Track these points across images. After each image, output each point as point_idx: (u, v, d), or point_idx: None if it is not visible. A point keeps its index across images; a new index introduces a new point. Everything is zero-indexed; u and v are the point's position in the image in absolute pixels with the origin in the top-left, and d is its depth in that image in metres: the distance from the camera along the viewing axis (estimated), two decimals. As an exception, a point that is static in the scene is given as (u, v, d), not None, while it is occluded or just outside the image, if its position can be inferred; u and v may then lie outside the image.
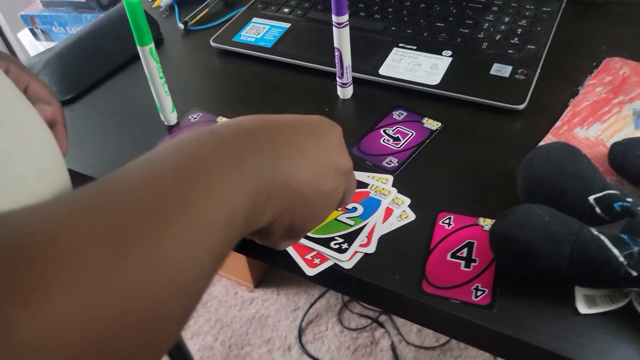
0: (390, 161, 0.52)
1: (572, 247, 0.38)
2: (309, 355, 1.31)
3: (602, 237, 0.38)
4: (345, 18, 0.52)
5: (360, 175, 0.51)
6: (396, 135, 0.55)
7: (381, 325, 1.36)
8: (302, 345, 1.33)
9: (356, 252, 0.45)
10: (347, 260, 0.44)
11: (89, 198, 0.22)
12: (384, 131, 0.55)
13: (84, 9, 1.02)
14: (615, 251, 0.37)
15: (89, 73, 0.64)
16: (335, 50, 0.55)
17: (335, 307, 1.40)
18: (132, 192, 0.23)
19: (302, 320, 1.37)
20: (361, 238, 0.46)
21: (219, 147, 0.28)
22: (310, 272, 0.44)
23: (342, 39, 0.54)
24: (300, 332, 1.36)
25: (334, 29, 0.53)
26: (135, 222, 0.21)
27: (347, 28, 0.54)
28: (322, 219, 0.38)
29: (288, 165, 0.32)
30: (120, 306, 0.19)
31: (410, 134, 0.55)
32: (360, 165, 0.52)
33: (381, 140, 0.54)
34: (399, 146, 0.53)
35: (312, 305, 1.40)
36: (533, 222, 0.39)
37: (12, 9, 1.28)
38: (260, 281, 1.47)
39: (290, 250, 0.46)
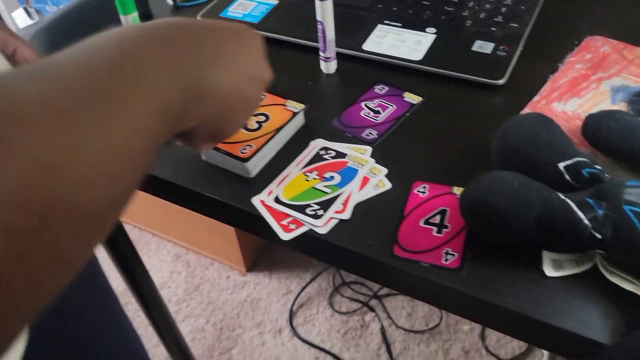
0: (370, 133, 0.53)
1: (541, 211, 0.39)
2: (300, 338, 1.32)
3: (569, 202, 0.39)
4: (327, -10, 0.53)
5: (339, 146, 0.52)
6: (377, 109, 0.55)
7: (371, 309, 1.37)
8: (292, 328, 1.34)
9: (331, 218, 0.46)
10: (322, 226, 0.45)
11: (40, 78, 0.22)
12: (365, 104, 0.56)
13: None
14: (581, 214, 0.38)
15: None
16: (318, 23, 0.56)
17: (327, 291, 1.41)
18: (73, 77, 0.23)
19: (294, 304, 1.39)
20: (337, 205, 0.47)
21: (155, 44, 0.29)
22: (285, 236, 0.45)
23: (324, 11, 0.55)
24: (292, 315, 1.37)
25: (316, 1, 0.54)
26: (74, 102, 0.22)
27: (330, 1, 0.54)
28: (240, 126, 0.38)
29: (215, 72, 0.32)
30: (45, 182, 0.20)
31: (391, 107, 0.55)
32: (340, 137, 0.53)
33: (362, 113, 0.55)
34: (378, 119, 0.54)
35: (303, 289, 1.41)
36: (502, 187, 0.40)
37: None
38: (253, 265, 1.48)
39: (267, 215, 0.47)
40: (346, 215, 0.46)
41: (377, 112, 0.55)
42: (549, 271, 0.40)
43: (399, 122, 0.54)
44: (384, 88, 0.58)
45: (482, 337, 1.29)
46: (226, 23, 0.36)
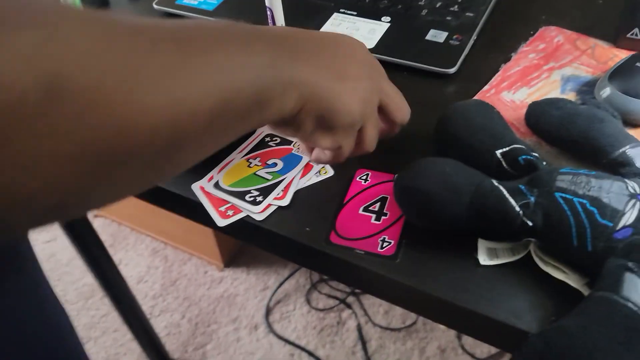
0: None
1: (472, 197, 0.38)
2: (275, 334, 1.31)
3: (501, 188, 0.38)
4: (275, -24, 0.52)
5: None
6: None
7: (348, 306, 1.36)
8: (268, 325, 1.33)
9: (270, 204, 0.45)
10: (259, 212, 0.45)
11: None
12: None
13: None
14: (512, 201, 0.37)
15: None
16: (267, 9, 0.55)
17: (304, 288, 1.41)
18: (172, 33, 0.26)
19: (270, 300, 1.38)
20: (277, 192, 0.46)
21: (252, 36, 0.32)
22: (221, 222, 0.45)
23: (273, -2, 0.54)
24: (268, 311, 1.36)
25: (265, -13, 0.53)
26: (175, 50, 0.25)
27: (278, -13, 0.53)
28: (354, 108, 0.37)
29: (306, 68, 0.34)
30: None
31: None
32: None
33: None
34: None
35: (280, 285, 1.41)
36: (433, 172, 0.39)
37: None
38: (231, 261, 1.47)
39: (205, 201, 0.46)
40: (285, 202, 0.45)
41: None
42: (484, 259, 0.40)
43: None
44: None
45: (459, 336, 1.28)
46: (325, 33, 0.40)
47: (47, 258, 1.53)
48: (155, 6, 0.68)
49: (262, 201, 0.45)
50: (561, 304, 0.37)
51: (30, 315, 0.41)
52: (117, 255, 1.51)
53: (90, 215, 1.60)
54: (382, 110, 0.41)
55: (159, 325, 1.35)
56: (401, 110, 0.43)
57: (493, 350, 1.25)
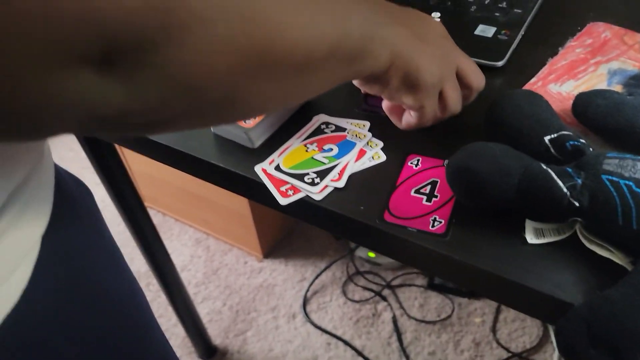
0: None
1: (520, 178, 0.41)
2: (312, 324, 1.35)
3: (549, 170, 0.41)
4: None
5: (340, 121, 0.54)
6: None
7: (384, 298, 1.39)
8: (306, 314, 1.37)
9: (327, 186, 0.49)
10: (318, 193, 0.48)
11: None
12: None
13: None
14: (559, 182, 0.40)
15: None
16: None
17: (340, 280, 1.44)
18: None
19: (308, 291, 1.42)
20: (333, 174, 0.49)
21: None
22: (283, 201, 0.48)
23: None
24: (305, 301, 1.40)
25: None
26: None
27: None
28: (435, 69, 0.43)
29: (398, 28, 0.41)
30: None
31: None
32: (342, 113, 0.56)
33: None
34: None
35: (317, 276, 1.44)
36: (484, 154, 0.42)
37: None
38: (270, 252, 1.51)
39: (267, 182, 0.50)
40: (341, 183, 0.49)
41: None
42: (531, 238, 0.42)
43: None
44: None
45: (494, 330, 1.29)
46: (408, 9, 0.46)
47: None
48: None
49: (319, 182, 0.49)
50: (605, 279, 0.39)
51: (111, 270, 0.45)
52: (162, 243, 1.58)
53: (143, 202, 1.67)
54: (459, 76, 0.46)
55: (202, 311, 1.41)
56: (477, 75, 0.48)
57: (528, 345, 1.26)
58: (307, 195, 0.48)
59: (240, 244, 1.53)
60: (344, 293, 1.41)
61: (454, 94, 0.46)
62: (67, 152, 1.87)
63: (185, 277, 1.49)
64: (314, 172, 0.50)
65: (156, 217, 1.64)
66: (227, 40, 0.27)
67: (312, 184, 0.49)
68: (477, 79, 0.48)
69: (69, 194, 0.43)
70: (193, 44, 0.25)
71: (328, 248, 1.51)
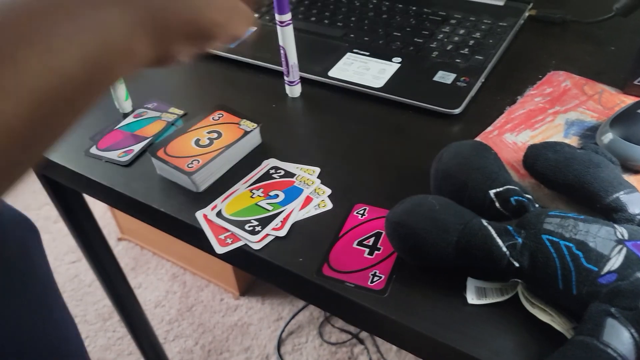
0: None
1: (459, 235, 0.39)
2: (286, 366, 1.31)
3: (489, 227, 0.39)
4: (287, 17, 0.55)
5: (290, 166, 0.53)
6: None
7: (361, 341, 1.35)
8: (280, 356, 1.33)
9: (267, 234, 0.47)
10: (257, 242, 0.46)
11: None
12: None
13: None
14: (499, 241, 0.38)
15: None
16: (281, 48, 0.58)
17: (318, 320, 1.40)
18: None
19: (283, 331, 1.38)
20: (275, 222, 0.48)
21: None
22: (220, 250, 0.46)
23: (285, 37, 0.57)
24: (280, 342, 1.36)
25: (278, 27, 0.56)
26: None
27: (291, 27, 0.56)
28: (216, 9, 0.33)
29: None
30: None
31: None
32: (293, 158, 0.54)
33: None
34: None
35: (294, 316, 1.40)
36: (422, 209, 0.40)
37: None
38: (247, 289, 1.48)
39: (206, 229, 0.48)
40: (282, 232, 0.47)
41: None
42: (472, 298, 0.40)
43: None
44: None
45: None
46: None
47: (70, 278, 1.57)
48: None
49: (260, 231, 0.47)
50: (546, 346, 0.37)
51: (37, 318, 0.43)
52: (138, 278, 1.54)
53: (113, 239, 1.64)
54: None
55: (173, 350, 1.36)
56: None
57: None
58: (246, 244, 0.46)
59: (218, 280, 1.49)
60: (320, 334, 1.37)
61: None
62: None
63: (159, 313, 1.45)
64: (256, 220, 0.48)
65: (133, 250, 1.61)
66: None
67: (253, 232, 0.47)
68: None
69: None
70: None
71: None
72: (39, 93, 0.25)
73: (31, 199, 1.80)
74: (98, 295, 1.51)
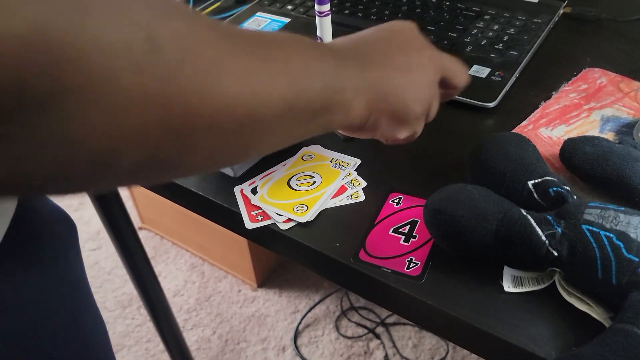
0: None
1: (498, 224, 0.39)
2: (302, 358, 1.32)
3: (528, 217, 0.39)
4: (326, 7, 0.56)
5: (327, 153, 0.54)
6: None
7: (377, 336, 1.35)
8: (296, 348, 1.34)
9: (294, 218, 0.47)
10: (283, 222, 0.47)
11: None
12: None
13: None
14: (538, 230, 0.38)
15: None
16: (318, 39, 0.58)
17: (334, 314, 1.41)
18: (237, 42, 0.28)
19: (300, 323, 1.39)
20: (303, 206, 0.48)
21: (319, 47, 0.36)
22: (250, 225, 0.47)
23: (323, 27, 0.57)
24: (297, 334, 1.37)
25: (317, 17, 0.57)
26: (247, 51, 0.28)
27: (329, 17, 0.57)
28: (423, 97, 0.40)
29: (372, 72, 0.37)
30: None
31: None
32: (329, 146, 0.55)
33: None
34: None
35: (311, 309, 1.41)
36: (462, 197, 0.41)
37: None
38: (264, 281, 1.49)
39: (240, 203, 0.49)
40: (306, 218, 0.47)
41: None
42: (508, 286, 0.41)
43: None
44: None
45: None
46: (375, 30, 0.41)
47: (91, 265, 1.59)
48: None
49: (291, 213, 0.48)
50: (582, 335, 0.37)
51: (68, 320, 0.44)
52: (157, 267, 1.56)
53: (135, 227, 1.66)
54: (445, 80, 0.43)
55: (190, 339, 1.38)
56: (462, 75, 0.44)
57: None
58: (274, 224, 0.47)
59: (235, 271, 1.51)
60: (337, 328, 1.38)
61: (437, 106, 0.44)
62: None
63: (177, 302, 1.47)
64: (289, 202, 0.49)
65: (153, 240, 1.64)
66: (138, 97, 0.21)
67: (280, 214, 0.48)
68: (462, 79, 0.45)
69: (34, 233, 0.42)
70: (93, 104, 0.20)
71: (323, 280, 1.49)
72: (291, 96, 0.30)
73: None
74: (117, 282, 1.54)
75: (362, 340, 1.35)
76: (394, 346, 1.33)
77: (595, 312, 0.37)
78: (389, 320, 1.38)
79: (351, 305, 1.42)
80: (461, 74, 0.44)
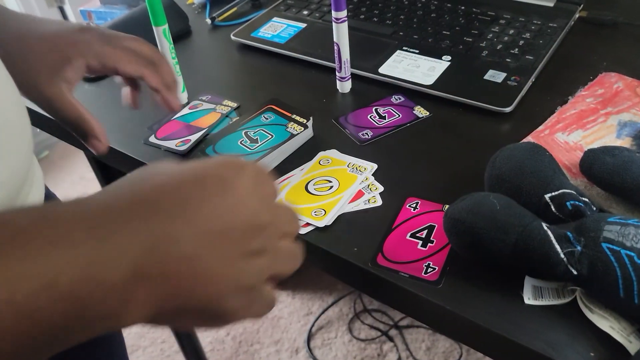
0: (366, 133, 0.57)
1: (518, 237, 0.39)
2: (315, 360, 1.32)
3: (549, 232, 0.39)
4: (343, 14, 0.56)
5: (344, 158, 0.54)
6: (384, 114, 0.59)
7: (390, 339, 1.35)
8: (309, 350, 1.34)
9: (309, 224, 0.48)
10: (302, 226, 0.48)
11: None
12: (376, 109, 0.60)
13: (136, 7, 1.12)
14: (557, 247, 0.38)
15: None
16: (335, 44, 0.59)
17: (347, 317, 1.41)
18: None
19: (313, 325, 1.39)
20: (322, 211, 0.49)
21: (69, 222, 0.24)
22: None
23: (340, 33, 0.58)
24: (310, 336, 1.37)
25: (333, 23, 0.58)
26: None
27: (346, 24, 0.58)
28: (245, 283, 0.27)
29: (163, 240, 0.25)
30: None
31: (397, 116, 0.59)
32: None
33: (368, 116, 0.59)
34: (380, 123, 0.58)
35: (324, 311, 1.42)
36: (483, 208, 0.41)
37: (76, 4, 1.41)
38: (278, 283, 1.49)
39: None
40: (324, 222, 0.48)
41: (383, 118, 0.58)
42: (528, 298, 0.40)
43: (397, 130, 0.57)
44: (399, 98, 0.61)
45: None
46: (187, 173, 0.27)
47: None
48: (232, 37, 0.74)
49: (306, 218, 0.48)
50: (602, 340, 0.37)
51: None
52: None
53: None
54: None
55: (204, 340, 1.39)
56: (288, 267, 0.32)
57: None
58: (301, 233, 0.48)
59: (249, 273, 1.51)
60: (350, 330, 1.38)
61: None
62: (79, 179, 1.91)
63: (192, 303, 1.48)
64: (306, 207, 0.49)
65: (168, 241, 1.65)
66: None
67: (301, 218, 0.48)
68: (289, 270, 0.32)
69: None
70: None
71: (337, 282, 1.49)
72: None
73: (70, 190, 1.85)
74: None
75: (375, 343, 1.35)
76: (407, 349, 1.33)
77: (617, 331, 0.37)
78: (402, 322, 1.38)
79: (364, 308, 1.42)
80: (290, 266, 0.32)
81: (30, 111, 0.45)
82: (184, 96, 0.63)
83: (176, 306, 0.26)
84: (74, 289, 0.23)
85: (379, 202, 0.50)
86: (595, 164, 0.46)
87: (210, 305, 0.27)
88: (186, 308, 0.26)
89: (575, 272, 0.38)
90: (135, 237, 0.24)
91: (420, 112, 0.59)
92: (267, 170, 0.30)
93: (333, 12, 0.56)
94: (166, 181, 0.27)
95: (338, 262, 0.46)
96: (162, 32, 0.57)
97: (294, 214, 0.31)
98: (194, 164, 0.28)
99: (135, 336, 1.42)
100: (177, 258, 0.25)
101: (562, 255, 0.38)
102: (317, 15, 0.76)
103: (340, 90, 0.63)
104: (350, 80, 0.63)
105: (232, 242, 0.26)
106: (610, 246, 0.37)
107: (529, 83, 0.60)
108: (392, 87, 0.63)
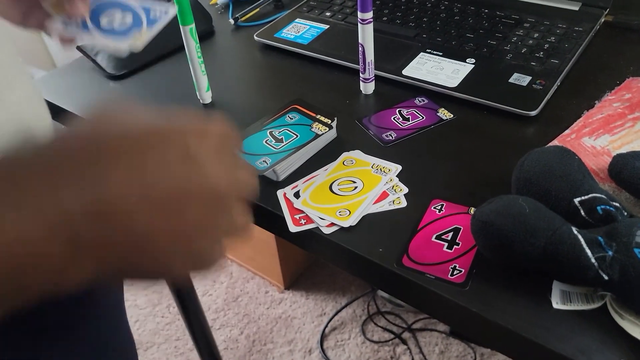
0: (390, 135, 0.57)
1: (547, 241, 0.39)
2: (328, 361, 1.32)
3: (579, 237, 0.39)
4: (369, 15, 0.57)
5: (368, 159, 0.54)
6: (407, 116, 0.59)
7: (404, 341, 1.35)
8: (322, 350, 1.35)
9: (334, 223, 0.48)
10: (326, 227, 0.48)
11: None
12: (399, 111, 0.60)
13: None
14: (588, 252, 0.38)
15: (141, 54, 0.71)
16: (359, 45, 0.59)
17: (360, 318, 1.41)
18: None
19: (326, 326, 1.39)
20: (346, 211, 0.49)
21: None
22: (294, 229, 0.48)
23: (365, 34, 0.58)
24: (323, 337, 1.38)
25: (359, 25, 0.58)
26: None
27: (371, 25, 0.58)
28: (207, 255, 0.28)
29: (111, 208, 0.24)
30: None
31: (421, 117, 0.59)
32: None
33: (392, 118, 0.59)
34: (404, 125, 0.58)
35: (337, 312, 1.42)
36: (512, 211, 0.41)
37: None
38: (292, 284, 1.50)
39: (283, 207, 0.50)
40: (349, 222, 0.48)
41: (406, 119, 0.58)
42: (556, 302, 0.40)
43: (421, 132, 0.57)
44: (423, 100, 0.61)
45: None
46: (148, 127, 0.27)
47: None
48: (255, 38, 0.74)
49: (330, 219, 0.48)
50: (633, 345, 0.37)
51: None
52: (186, 266, 1.58)
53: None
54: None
55: (218, 338, 1.40)
56: (239, 233, 0.30)
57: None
58: (318, 227, 0.48)
59: (263, 273, 1.52)
60: (363, 332, 1.38)
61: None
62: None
63: (206, 301, 1.49)
64: (330, 207, 0.50)
65: (183, 240, 1.66)
66: None
67: (323, 218, 0.48)
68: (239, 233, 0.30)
69: None
70: None
71: (351, 284, 1.49)
72: None
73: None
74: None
75: (388, 345, 1.35)
76: (421, 352, 1.32)
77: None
78: (416, 325, 1.38)
79: (378, 310, 1.42)
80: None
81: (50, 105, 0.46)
82: (208, 95, 0.64)
83: (121, 270, 0.26)
84: (9, 249, 0.22)
85: (404, 204, 0.50)
86: (625, 168, 0.46)
87: (158, 271, 0.27)
88: (132, 273, 0.26)
89: (606, 277, 0.37)
90: (79, 198, 0.23)
91: (444, 114, 0.59)
92: (231, 133, 0.29)
93: (359, 13, 0.57)
94: (125, 142, 0.25)
95: (363, 263, 0.46)
96: (188, 32, 0.58)
97: (252, 178, 0.30)
98: (159, 124, 0.27)
99: (149, 333, 1.43)
100: (125, 228, 0.24)
101: (592, 260, 0.38)
102: (339, 16, 0.76)
103: (363, 92, 0.64)
104: (373, 81, 0.63)
105: (185, 212, 0.26)
106: None
107: (555, 87, 0.60)
108: (415, 89, 0.63)
